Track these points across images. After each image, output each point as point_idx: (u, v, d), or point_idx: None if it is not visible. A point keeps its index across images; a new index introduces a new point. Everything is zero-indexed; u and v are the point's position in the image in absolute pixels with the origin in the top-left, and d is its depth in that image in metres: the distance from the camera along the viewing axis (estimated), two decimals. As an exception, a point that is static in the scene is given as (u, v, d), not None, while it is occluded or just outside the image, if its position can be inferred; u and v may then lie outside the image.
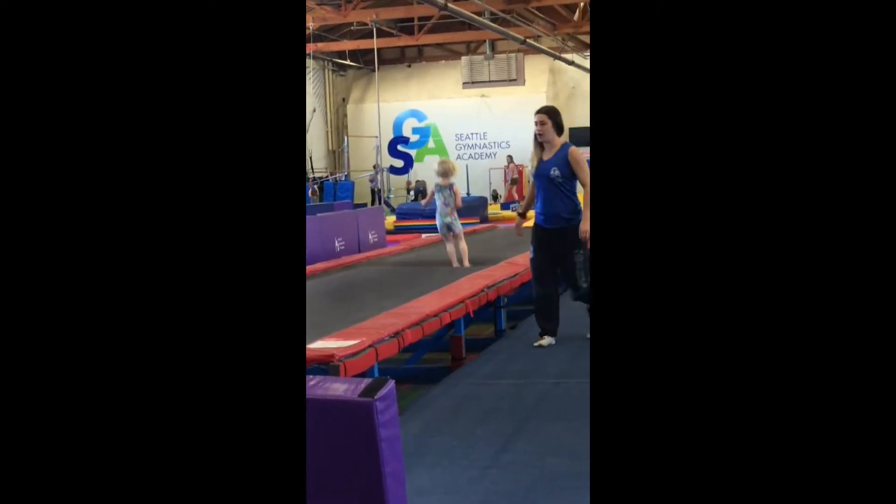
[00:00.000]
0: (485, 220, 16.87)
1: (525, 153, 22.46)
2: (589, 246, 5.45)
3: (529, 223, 6.04)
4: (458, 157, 23.39)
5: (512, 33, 17.45)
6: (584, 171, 5.71)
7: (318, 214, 11.21)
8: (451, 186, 8.20)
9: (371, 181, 21.91)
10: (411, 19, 19.99)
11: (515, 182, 21.97)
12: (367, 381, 2.25)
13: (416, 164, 23.69)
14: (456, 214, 8.17)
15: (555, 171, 5.65)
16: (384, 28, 19.60)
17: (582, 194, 5.78)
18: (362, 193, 22.43)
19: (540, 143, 5.77)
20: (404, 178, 23.68)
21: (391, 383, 2.22)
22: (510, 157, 22.13)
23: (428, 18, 19.25)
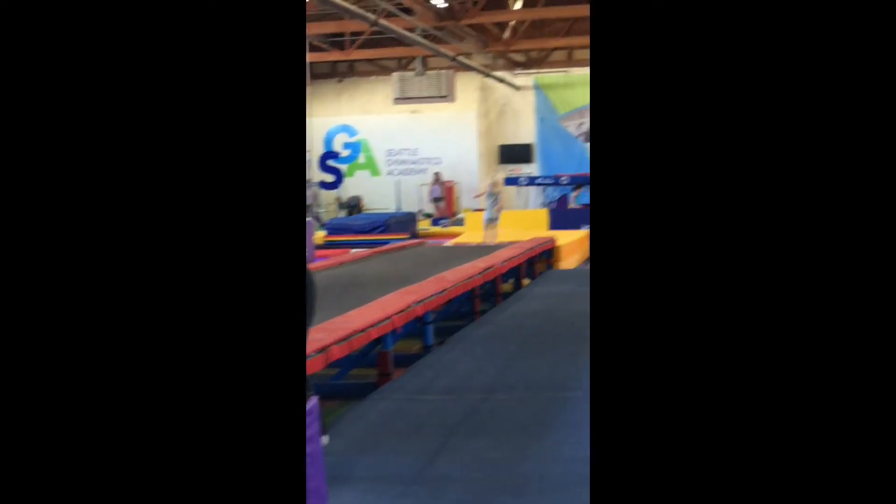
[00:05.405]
0: (414, 235, 16.88)
1: (455, 169, 22.54)
2: None
3: None
4: (389, 172, 23.37)
5: (443, 50, 17.53)
6: None
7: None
8: (498, 194, 12.91)
9: (301, 196, 21.68)
10: (342, 34, 19.95)
11: (441, 199, 22.01)
12: (289, 396, 2.24)
13: (346, 179, 23.61)
14: (499, 213, 12.98)
15: None
16: (315, 42, 19.54)
17: None
18: (292, 208, 22.20)
19: None
20: (334, 192, 23.59)
21: (314, 399, 2.22)
22: (437, 175, 22.19)
23: (359, 34, 19.24)
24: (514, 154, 23.14)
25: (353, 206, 22.42)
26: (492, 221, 12.87)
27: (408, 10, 15.84)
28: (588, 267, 13.30)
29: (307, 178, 21.16)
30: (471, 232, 14.91)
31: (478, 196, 13.18)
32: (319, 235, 15.57)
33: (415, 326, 6.65)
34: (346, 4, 12.47)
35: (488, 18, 17.68)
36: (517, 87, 22.77)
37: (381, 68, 23.35)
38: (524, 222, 14.88)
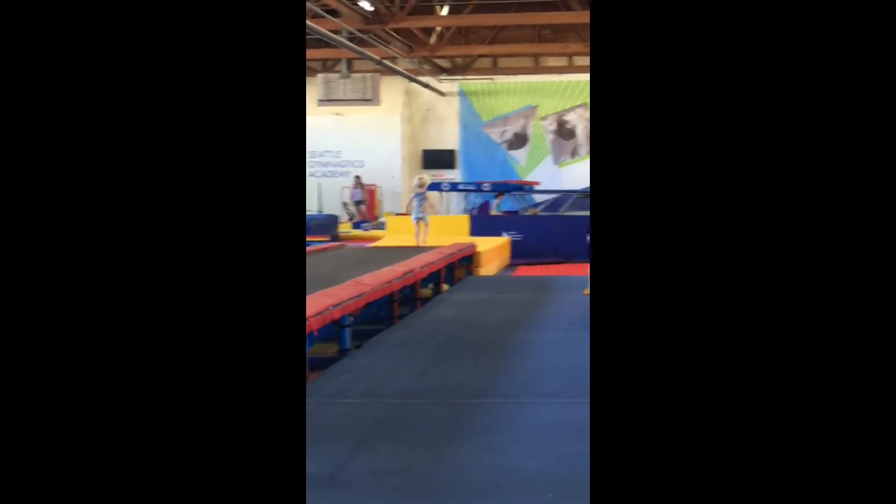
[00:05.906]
0: (335, 238, 16.80)
1: (378, 172, 22.52)
2: None
3: None
4: (311, 174, 23.23)
5: (369, 53, 17.49)
6: None
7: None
8: (424, 193, 12.65)
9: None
10: (267, 33, 19.79)
11: (362, 203, 21.95)
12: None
13: (267, 180, 23.40)
14: (426, 212, 12.67)
15: None
16: (239, 41, 19.34)
17: None
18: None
19: None
20: (255, 193, 23.37)
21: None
22: (357, 178, 22.13)
23: (284, 33, 19.10)
24: (437, 159, 23.20)
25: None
26: (421, 220, 12.66)
27: (334, 12, 15.77)
28: (507, 274, 13.39)
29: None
30: (392, 236, 14.88)
31: (410, 201, 13.24)
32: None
33: (332, 329, 6.61)
34: (272, 3, 12.36)
35: (414, 23, 17.70)
36: (442, 93, 22.84)
37: (305, 69, 23.18)
38: (445, 227, 14.92)
